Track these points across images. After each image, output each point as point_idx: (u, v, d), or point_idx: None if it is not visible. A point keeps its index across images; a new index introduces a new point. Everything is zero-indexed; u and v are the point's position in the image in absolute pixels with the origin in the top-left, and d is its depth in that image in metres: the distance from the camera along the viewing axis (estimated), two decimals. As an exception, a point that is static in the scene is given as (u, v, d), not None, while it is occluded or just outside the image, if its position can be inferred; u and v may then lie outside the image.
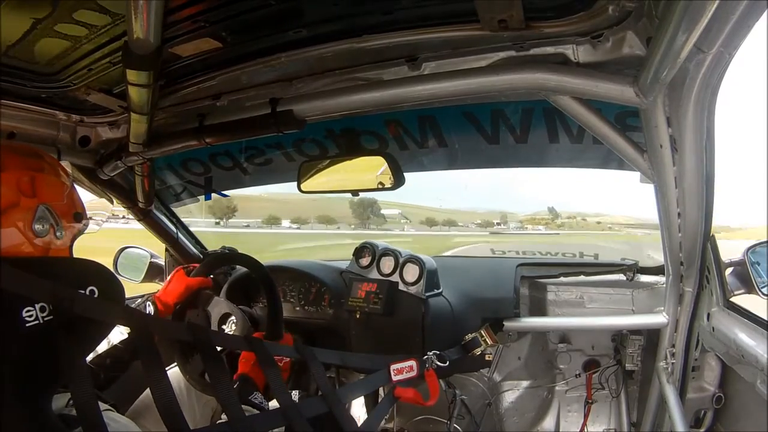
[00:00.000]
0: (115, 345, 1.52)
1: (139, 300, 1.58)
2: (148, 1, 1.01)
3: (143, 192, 2.12)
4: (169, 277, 1.65)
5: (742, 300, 1.56)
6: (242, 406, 1.22)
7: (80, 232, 1.26)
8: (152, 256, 2.58)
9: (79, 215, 1.22)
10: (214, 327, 1.66)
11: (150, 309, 1.53)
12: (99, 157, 1.93)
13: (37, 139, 1.71)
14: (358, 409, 2.12)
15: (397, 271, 2.00)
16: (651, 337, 2.02)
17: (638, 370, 2.13)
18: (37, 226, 1.11)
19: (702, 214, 1.44)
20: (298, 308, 2.20)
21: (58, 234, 1.15)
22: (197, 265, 1.72)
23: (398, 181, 1.70)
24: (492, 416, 2.22)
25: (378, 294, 1.97)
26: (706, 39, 0.84)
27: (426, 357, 1.76)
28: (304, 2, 1.21)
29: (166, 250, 2.56)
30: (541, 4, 1.09)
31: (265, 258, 2.15)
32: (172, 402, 1.09)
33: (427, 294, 1.93)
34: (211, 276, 1.76)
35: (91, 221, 1.32)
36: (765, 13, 0.81)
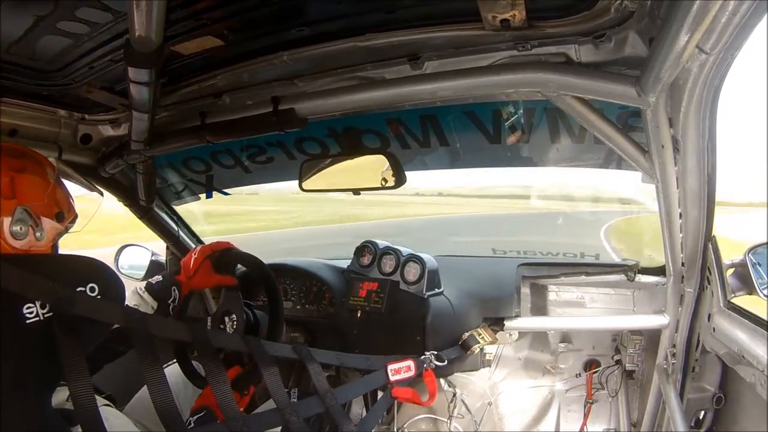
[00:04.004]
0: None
1: (158, 278, 1.55)
2: None
3: (144, 190, 2.12)
4: (192, 263, 1.58)
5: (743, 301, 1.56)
6: None
7: (64, 232, 1.25)
8: (153, 254, 2.59)
9: (61, 215, 1.22)
10: (214, 319, 1.66)
11: (176, 294, 1.51)
12: (100, 155, 1.93)
13: (38, 136, 1.72)
14: (358, 409, 2.12)
15: (398, 271, 2.00)
16: (651, 337, 2.01)
17: (639, 370, 2.13)
18: (15, 228, 1.10)
19: (703, 215, 1.44)
20: (299, 307, 2.20)
21: (37, 235, 1.15)
22: (223, 244, 1.67)
23: (400, 180, 1.70)
24: (492, 415, 2.22)
25: (379, 293, 1.97)
26: (708, 40, 0.83)
27: (424, 357, 1.76)
28: (307, 1, 1.21)
29: (167, 247, 2.56)
30: (543, 3, 1.09)
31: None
32: (169, 402, 1.09)
33: (428, 293, 1.93)
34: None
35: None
36: (767, 15, 0.81)
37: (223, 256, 1.63)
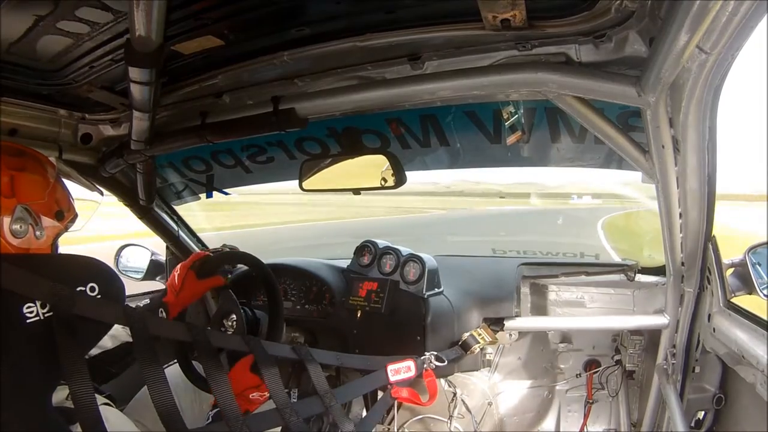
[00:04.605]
0: (119, 345, 1.51)
1: (146, 301, 1.55)
2: None
3: (145, 190, 2.12)
4: (177, 280, 1.58)
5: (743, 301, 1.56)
6: None
7: (63, 231, 1.25)
8: (153, 253, 2.59)
9: (61, 213, 1.22)
10: (214, 321, 1.66)
11: (163, 315, 1.49)
12: (101, 155, 1.93)
13: (38, 136, 1.72)
14: (358, 409, 2.12)
15: (398, 270, 2.00)
16: (652, 337, 2.02)
17: (639, 370, 2.13)
18: (15, 227, 1.11)
19: (703, 215, 1.44)
20: (298, 307, 2.20)
21: (37, 234, 1.15)
22: (201, 253, 1.68)
23: (400, 180, 1.70)
24: (492, 416, 2.22)
25: (379, 293, 1.97)
26: (708, 40, 0.83)
27: (423, 357, 1.77)
28: (307, 1, 1.21)
29: (167, 247, 2.56)
30: (543, 3, 1.09)
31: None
32: (169, 402, 1.09)
33: (428, 293, 1.93)
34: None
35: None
36: (767, 15, 0.81)
37: (205, 261, 1.63)
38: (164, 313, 1.50)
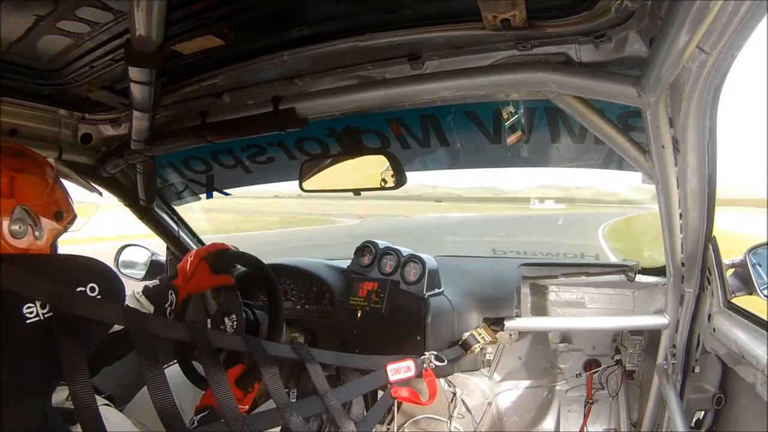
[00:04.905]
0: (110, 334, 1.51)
1: (156, 284, 1.55)
2: None
3: (145, 190, 2.12)
4: (189, 266, 1.58)
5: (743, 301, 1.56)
6: None
7: (63, 231, 1.26)
8: (153, 253, 2.59)
9: (60, 214, 1.22)
10: (214, 319, 1.66)
11: (172, 298, 1.51)
12: (101, 155, 1.93)
13: (38, 136, 1.72)
14: (358, 409, 2.12)
15: (398, 271, 2.00)
16: (652, 337, 2.02)
17: (639, 370, 2.13)
18: (15, 227, 1.11)
19: (704, 215, 1.44)
20: (299, 307, 2.20)
21: (36, 234, 1.15)
22: (219, 245, 1.68)
23: (400, 180, 1.70)
24: (492, 415, 2.22)
25: (379, 293, 1.98)
26: (708, 40, 0.84)
27: (423, 356, 1.77)
28: (307, 0, 1.21)
29: (168, 247, 2.56)
30: (543, 3, 1.09)
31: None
32: (169, 402, 1.09)
33: (428, 293, 1.93)
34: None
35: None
36: (767, 15, 0.81)
37: (219, 256, 1.63)
38: (173, 296, 1.51)
